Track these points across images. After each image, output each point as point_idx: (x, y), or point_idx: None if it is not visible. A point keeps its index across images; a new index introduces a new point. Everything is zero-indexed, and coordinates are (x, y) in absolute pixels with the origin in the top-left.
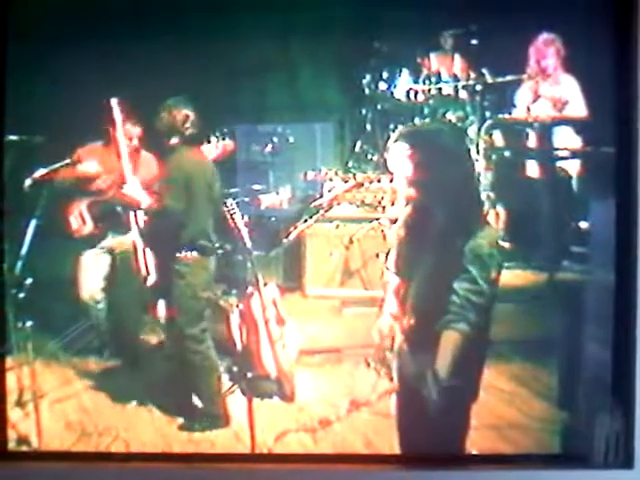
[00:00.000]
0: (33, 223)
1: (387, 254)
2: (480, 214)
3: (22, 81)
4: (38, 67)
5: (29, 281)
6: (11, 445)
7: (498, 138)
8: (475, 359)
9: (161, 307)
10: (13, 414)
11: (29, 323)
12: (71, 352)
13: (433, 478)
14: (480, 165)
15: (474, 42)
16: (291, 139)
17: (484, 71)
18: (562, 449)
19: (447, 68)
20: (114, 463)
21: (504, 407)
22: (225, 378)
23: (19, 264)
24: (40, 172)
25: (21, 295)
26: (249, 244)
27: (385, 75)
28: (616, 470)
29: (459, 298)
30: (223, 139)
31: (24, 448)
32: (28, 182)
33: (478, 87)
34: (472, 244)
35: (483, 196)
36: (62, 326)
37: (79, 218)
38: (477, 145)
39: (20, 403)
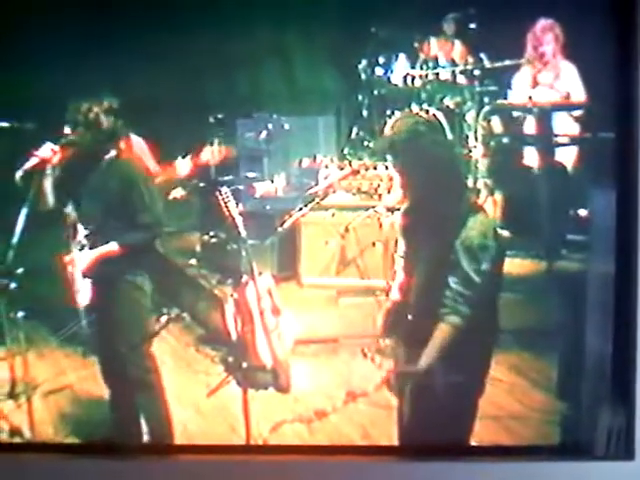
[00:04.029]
0: (24, 212)
1: (395, 243)
2: (473, 204)
3: (11, 68)
4: (30, 53)
5: (20, 271)
6: (3, 437)
7: (496, 124)
8: (479, 352)
9: None
10: (5, 406)
11: (21, 313)
12: (64, 343)
13: (431, 470)
14: (478, 152)
15: (472, 27)
16: (286, 126)
17: (482, 56)
18: (562, 440)
19: (445, 53)
20: (107, 455)
21: (504, 398)
22: (220, 369)
23: (10, 254)
24: (31, 160)
25: (12, 285)
26: (244, 233)
27: (381, 60)
28: (617, 461)
29: (451, 292)
30: (224, 144)
31: (17, 440)
32: (19, 170)
33: (476, 72)
34: (463, 235)
35: (480, 184)
36: (54, 316)
37: None
38: (475, 131)
39: (13, 395)
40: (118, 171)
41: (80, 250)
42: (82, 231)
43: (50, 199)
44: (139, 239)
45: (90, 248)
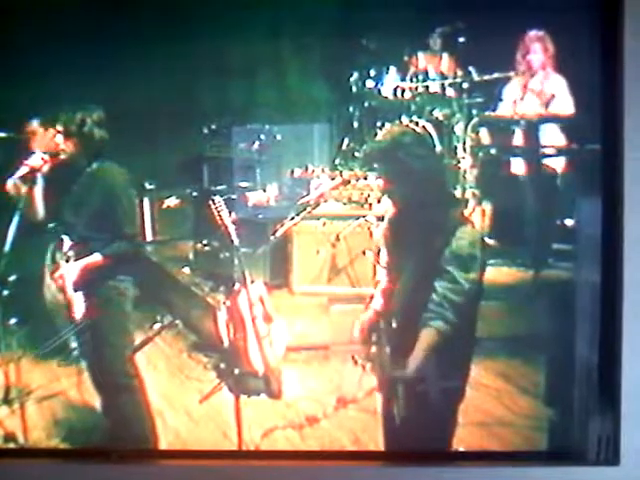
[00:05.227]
0: (16, 220)
1: (377, 252)
2: (460, 213)
3: (6, 76)
4: (21, 63)
5: (12, 278)
6: None
7: (484, 135)
8: (461, 358)
9: None
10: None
11: (13, 320)
12: (57, 350)
13: (420, 475)
14: (466, 162)
15: (461, 40)
16: (278, 137)
17: (471, 69)
18: (549, 446)
19: (434, 66)
20: (101, 460)
21: (491, 404)
22: (212, 375)
23: (2, 261)
24: (21, 169)
25: (5, 292)
26: (236, 241)
27: (372, 73)
28: (603, 467)
29: (438, 296)
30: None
31: (11, 445)
32: (11, 177)
33: (465, 85)
34: (452, 244)
35: (469, 194)
36: (46, 323)
37: None
38: (463, 142)
39: (7, 400)
40: (100, 182)
41: (66, 262)
42: (67, 242)
43: (40, 208)
44: (122, 249)
45: (75, 259)
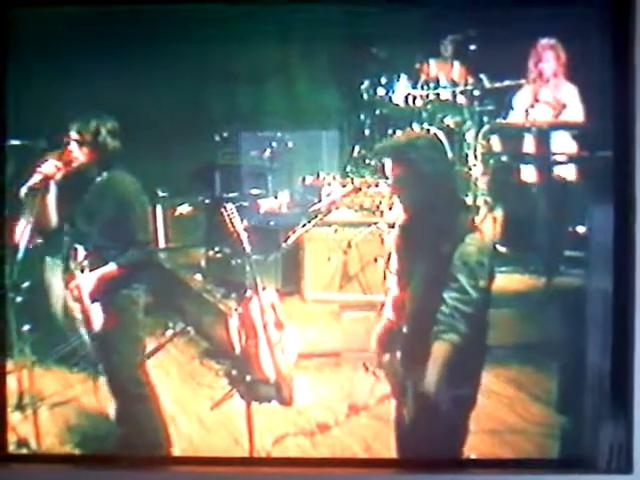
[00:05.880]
0: (29, 227)
1: (388, 259)
2: (469, 221)
3: (24, 86)
4: (39, 71)
5: (26, 285)
6: (11, 448)
7: (496, 143)
8: (472, 365)
9: None
10: (13, 417)
11: (27, 327)
12: (68, 357)
13: None
14: (477, 170)
15: (473, 48)
16: (290, 144)
17: (482, 76)
18: (561, 454)
19: (445, 73)
20: (113, 467)
21: (503, 412)
22: (224, 382)
23: (16, 268)
24: (35, 177)
25: (19, 299)
26: (248, 248)
27: (383, 80)
28: (616, 475)
29: (448, 308)
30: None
31: (24, 451)
32: (24, 186)
33: (476, 92)
34: (461, 252)
35: (480, 201)
36: (60, 329)
37: None
38: (475, 150)
39: (20, 406)
40: (112, 190)
41: (81, 271)
42: (82, 251)
43: (53, 216)
44: (136, 258)
45: (90, 269)
